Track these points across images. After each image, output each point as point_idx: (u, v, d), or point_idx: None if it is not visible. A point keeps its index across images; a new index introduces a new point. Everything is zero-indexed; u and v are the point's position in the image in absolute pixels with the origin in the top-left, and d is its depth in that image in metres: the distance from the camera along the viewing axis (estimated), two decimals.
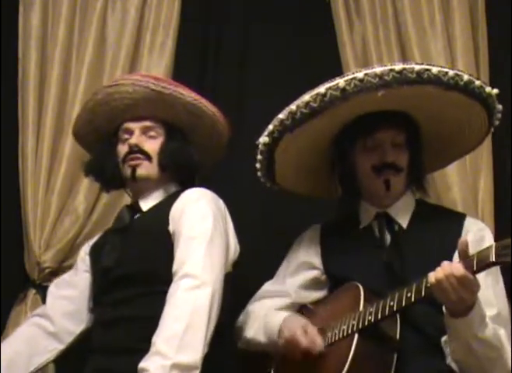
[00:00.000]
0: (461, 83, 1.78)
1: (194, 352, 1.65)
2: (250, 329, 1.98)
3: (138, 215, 2.04)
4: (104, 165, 2.08)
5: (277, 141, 1.90)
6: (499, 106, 1.89)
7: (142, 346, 1.68)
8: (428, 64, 1.79)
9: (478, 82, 1.81)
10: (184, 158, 2.05)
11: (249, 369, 2.01)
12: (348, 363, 1.61)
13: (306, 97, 1.80)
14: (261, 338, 1.93)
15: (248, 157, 2.09)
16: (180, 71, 2.63)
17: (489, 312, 1.68)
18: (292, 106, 1.83)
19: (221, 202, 2.00)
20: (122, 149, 2.06)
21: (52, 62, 2.57)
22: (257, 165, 2.02)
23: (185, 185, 2.08)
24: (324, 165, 2.03)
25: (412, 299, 1.59)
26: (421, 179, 1.98)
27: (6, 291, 2.47)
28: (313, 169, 2.05)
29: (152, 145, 2.04)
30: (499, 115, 1.92)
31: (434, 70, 1.75)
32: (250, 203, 2.47)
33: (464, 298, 1.54)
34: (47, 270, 2.43)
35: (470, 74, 1.82)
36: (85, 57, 2.58)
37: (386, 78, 1.74)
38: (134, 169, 2.02)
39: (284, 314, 1.92)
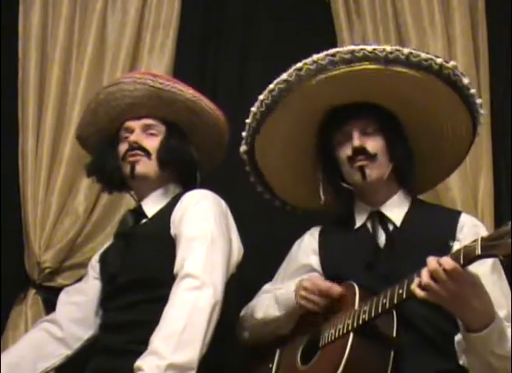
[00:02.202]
0: (402, 57, 1.78)
1: (191, 352, 1.63)
2: (260, 311, 1.98)
3: (143, 221, 2.04)
4: (105, 166, 2.08)
5: (252, 146, 1.95)
6: (479, 100, 1.88)
7: (144, 349, 1.66)
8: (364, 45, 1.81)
9: (405, 50, 1.79)
10: (183, 155, 2.05)
11: (251, 367, 2.01)
12: (343, 362, 1.60)
13: (261, 96, 1.90)
14: (274, 312, 1.93)
15: None
16: (180, 71, 2.63)
17: (500, 313, 1.65)
18: (253, 108, 1.92)
19: (223, 203, 1.99)
20: (122, 147, 2.07)
21: (52, 62, 2.58)
22: (251, 179, 2.06)
23: (187, 185, 2.08)
24: (313, 172, 2.03)
25: (404, 296, 1.57)
26: (410, 175, 1.95)
27: (6, 291, 2.46)
28: (307, 176, 2.05)
29: (152, 142, 2.04)
30: (481, 111, 1.90)
31: (369, 48, 1.78)
32: (251, 204, 2.47)
33: (454, 290, 1.50)
34: (47, 270, 2.43)
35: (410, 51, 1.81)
36: (85, 57, 2.59)
37: (321, 62, 1.79)
38: (133, 166, 2.02)
39: (294, 283, 1.91)
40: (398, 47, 1.80)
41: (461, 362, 1.70)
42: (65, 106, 2.56)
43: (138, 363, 1.62)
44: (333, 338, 1.72)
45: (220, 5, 2.76)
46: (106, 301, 2.00)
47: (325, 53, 1.79)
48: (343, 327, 1.69)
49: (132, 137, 2.04)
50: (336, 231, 2.02)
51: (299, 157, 2.02)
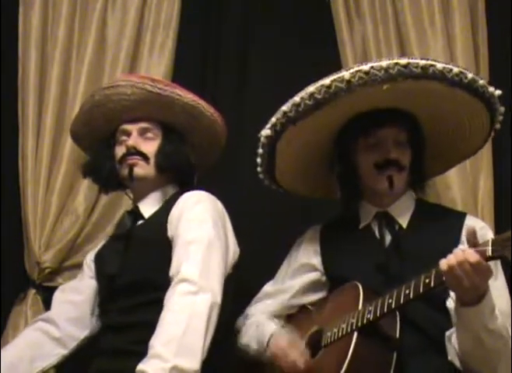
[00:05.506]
0: (465, 81, 1.78)
1: (193, 357, 1.63)
2: (245, 335, 2.00)
3: (140, 222, 2.04)
4: (101, 167, 2.08)
5: (279, 134, 1.90)
6: (502, 108, 1.89)
7: (146, 350, 1.66)
8: (433, 60, 1.79)
9: (481, 81, 1.81)
10: (181, 159, 2.05)
11: (249, 366, 2.00)
12: (347, 361, 1.61)
13: (311, 88, 1.80)
14: (254, 345, 1.95)
15: (248, 157, 2.08)
16: (180, 71, 2.63)
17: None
18: (296, 98, 1.83)
19: (219, 204, 1.99)
20: (119, 151, 2.06)
21: (52, 62, 2.58)
22: (258, 160, 2.01)
23: (184, 186, 2.07)
24: (324, 164, 2.03)
25: (411, 296, 1.58)
26: (423, 179, 1.98)
27: (6, 291, 2.46)
28: (313, 167, 2.05)
29: (150, 147, 2.04)
30: (501, 117, 1.92)
31: (439, 66, 1.76)
32: (250, 204, 2.47)
33: (477, 284, 1.53)
34: (47, 270, 2.43)
35: (475, 74, 1.83)
36: (85, 57, 2.59)
37: (391, 71, 1.74)
38: (131, 168, 2.02)
39: (273, 326, 1.93)
40: (462, 70, 1.78)
41: (449, 358, 1.70)
42: (65, 106, 2.56)
43: (142, 366, 1.61)
44: (336, 337, 1.72)
45: (220, 5, 2.76)
46: (106, 302, 1.99)
47: (395, 61, 1.75)
48: (347, 326, 1.70)
49: (130, 142, 2.04)
50: (338, 230, 2.01)
51: (315, 152, 2.01)
